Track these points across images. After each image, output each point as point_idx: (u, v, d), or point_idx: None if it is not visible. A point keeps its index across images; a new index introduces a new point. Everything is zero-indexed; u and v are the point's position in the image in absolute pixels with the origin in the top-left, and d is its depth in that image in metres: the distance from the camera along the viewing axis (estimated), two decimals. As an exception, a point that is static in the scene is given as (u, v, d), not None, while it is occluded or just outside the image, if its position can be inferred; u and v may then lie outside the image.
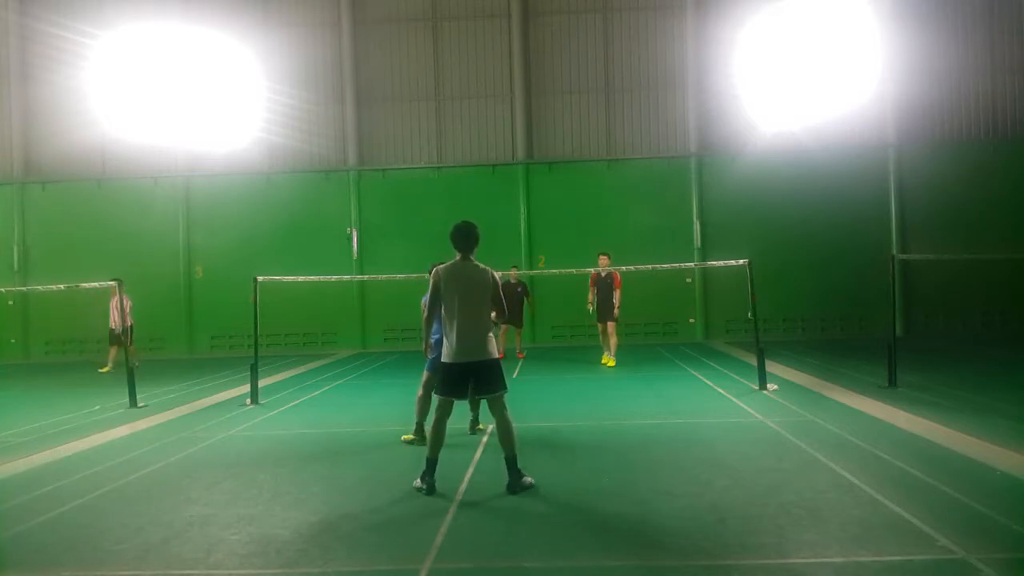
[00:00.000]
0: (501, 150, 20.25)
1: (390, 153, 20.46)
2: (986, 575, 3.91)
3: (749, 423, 8.26)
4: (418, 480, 5.75)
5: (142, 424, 9.18)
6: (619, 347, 14.46)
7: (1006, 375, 11.95)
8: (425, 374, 7.40)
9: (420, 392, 7.48)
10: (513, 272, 16.40)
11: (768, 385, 10.44)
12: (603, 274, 13.82)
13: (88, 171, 20.46)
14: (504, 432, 5.77)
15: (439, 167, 20.26)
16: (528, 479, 5.76)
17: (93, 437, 8.33)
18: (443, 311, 5.83)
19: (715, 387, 11.05)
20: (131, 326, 14.98)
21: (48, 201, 20.41)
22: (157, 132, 20.01)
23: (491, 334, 5.84)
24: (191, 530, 5.00)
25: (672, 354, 16.10)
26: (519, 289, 16.35)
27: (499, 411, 5.80)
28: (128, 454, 7.43)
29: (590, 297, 14.24)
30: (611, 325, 14.04)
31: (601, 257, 13.77)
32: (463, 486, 5.88)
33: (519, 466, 5.76)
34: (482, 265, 5.89)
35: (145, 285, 17.98)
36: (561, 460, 6.85)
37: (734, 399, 9.85)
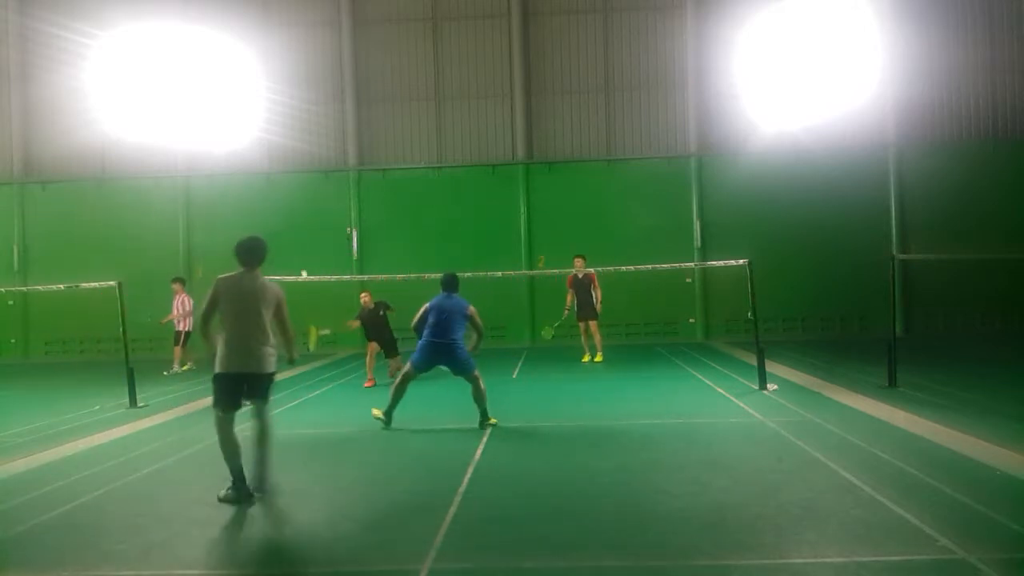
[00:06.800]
0: (501, 150, 20.23)
1: (390, 153, 20.43)
2: (986, 575, 3.91)
3: (749, 423, 8.26)
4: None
5: (142, 424, 9.17)
6: (617, 347, 14.47)
7: (1006, 375, 11.93)
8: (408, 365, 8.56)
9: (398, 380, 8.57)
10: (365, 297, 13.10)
11: (768, 385, 10.43)
12: (580, 275, 14.32)
13: (88, 171, 20.44)
14: (259, 434, 5.78)
15: (439, 167, 20.24)
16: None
17: (93, 437, 8.32)
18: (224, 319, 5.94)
19: (715, 387, 11.05)
20: (186, 330, 15.50)
21: (48, 201, 20.37)
22: (157, 132, 19.95)
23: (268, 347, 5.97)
24: (191, 530, 5.01)
25: (672, 354, 16.09)
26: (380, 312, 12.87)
27: (262, 418, 5.88)
28: (128, 454, 7.43)
29: (568, 301, 14.66)
30: (593, 324, 14.49)
31: (577, 259, 14.30)
32: (463, 486, 5.88)
33: None
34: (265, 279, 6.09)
35: (145, 285, 17.92)
36: (561, 460, 6.86)
37: (734, 399, 9.85)
